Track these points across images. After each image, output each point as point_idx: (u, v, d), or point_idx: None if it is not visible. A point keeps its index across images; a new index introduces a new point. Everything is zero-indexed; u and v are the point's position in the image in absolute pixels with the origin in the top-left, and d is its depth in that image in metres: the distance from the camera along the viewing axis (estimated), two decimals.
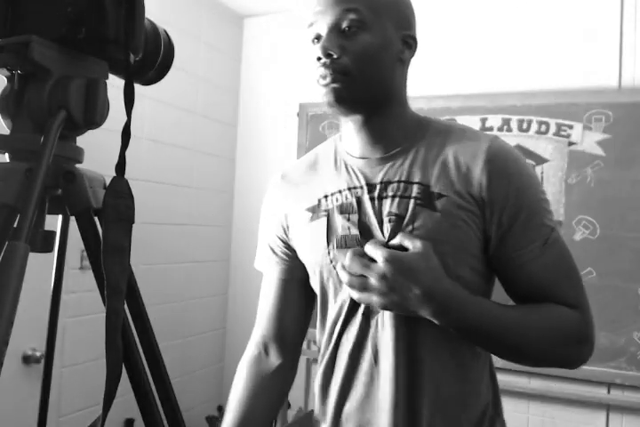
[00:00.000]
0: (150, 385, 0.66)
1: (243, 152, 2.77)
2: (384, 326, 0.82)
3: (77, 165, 0.68)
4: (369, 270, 0.75)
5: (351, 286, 0.77)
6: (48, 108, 0.62)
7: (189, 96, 2.45)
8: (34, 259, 0.57)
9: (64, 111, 0.61)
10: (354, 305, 0.85)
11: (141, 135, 2.17)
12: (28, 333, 1.40)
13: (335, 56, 0.79)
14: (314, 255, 0.89)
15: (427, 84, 2.35)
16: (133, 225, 0.63)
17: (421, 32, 2.56)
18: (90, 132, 0.68)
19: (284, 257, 0.97)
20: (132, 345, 0.64)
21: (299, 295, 0.98)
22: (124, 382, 0.62)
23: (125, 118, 0.62)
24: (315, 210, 0.89)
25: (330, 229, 0.86)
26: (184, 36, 2.38)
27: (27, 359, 1.73)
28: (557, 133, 2.09)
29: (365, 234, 0.83)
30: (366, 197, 0.85)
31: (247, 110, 2.77)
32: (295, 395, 2.49)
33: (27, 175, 0.59)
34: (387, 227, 0.82)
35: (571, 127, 2.08)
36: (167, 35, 0.77)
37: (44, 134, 0.58)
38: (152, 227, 2.25)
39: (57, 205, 0.67)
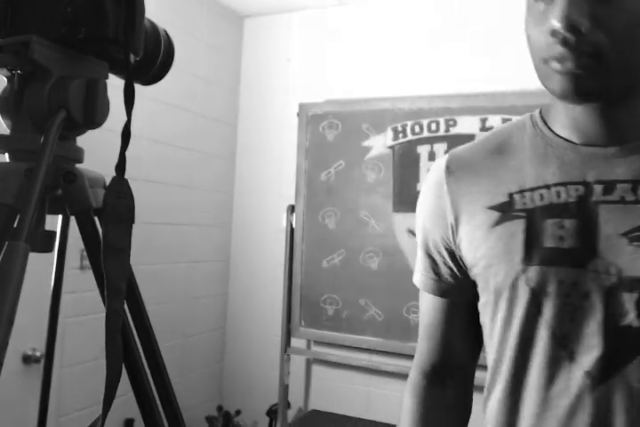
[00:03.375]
0: (150, 385, 0.66)
1: (243, 152, 2.77)
2: (625, 392, 0.60)
3: (77, 165, 0.68)
4: None
5: None
6: (48, 108, 0.62)
7: (189, 96, 2.44)
8: (34, 259, 0.57)
9: (64, 111, 0.61)
10: (575, 355, 0.62)
11: (141, 135, 2.17)
12: (28, 333, 1.40)
13: (584, 31, 0.55)
14: (498, 273, 0.67)
15: (427, 84, 2.35)
16: (133, 225, 0.63)
17: (421, 32, 2.56)
18: (90, 132, 0.68)
19: (449, 272, 0.76)
20: (132, 345, 0.64)
21: (470, 319, 0.77)
22: (124, 382, 0.62)
23: (125, 118, 0.62)
24: (504, 209, 0.66)
25: (529, 238, 0.64)
26: (184, 36, 2.38)
27: (27, 359, 1.73)
28: None
29: (586, 250, 0.61)
30: (596, 199, 0.61)
31: (247, 110, 2.77)
32: (295, 395, 2.49)
33: (27, 175, 0.59)
34: (634, 248, 0.59)
35: None
36: (167, 35, 0.77)
37: (44, 134, 0.58)
38: (152, 227, 2.24)
39: (57, 205, 0.67)
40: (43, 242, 0.68)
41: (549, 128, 0.69)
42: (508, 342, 0.68)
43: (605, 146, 0.63)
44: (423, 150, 2.26)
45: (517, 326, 0.66)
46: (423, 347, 0.82)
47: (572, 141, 0.65)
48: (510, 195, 0.67)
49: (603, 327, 0.60)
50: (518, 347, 0.67)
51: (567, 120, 0.66)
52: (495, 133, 0.75)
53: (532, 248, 0.64)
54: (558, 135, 0.67)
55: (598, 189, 0.61)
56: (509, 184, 0.67)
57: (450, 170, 0.74)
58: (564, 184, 0.63)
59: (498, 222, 0.67)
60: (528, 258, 0.64)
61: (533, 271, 0.63)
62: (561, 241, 0.62)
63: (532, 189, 0.65)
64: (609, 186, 0.61)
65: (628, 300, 0.59)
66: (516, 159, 0.69)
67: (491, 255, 0.67)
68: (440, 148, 2.23)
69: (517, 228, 0.65)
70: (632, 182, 0.60)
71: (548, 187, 0.64)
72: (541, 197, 0.64)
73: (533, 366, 0.65)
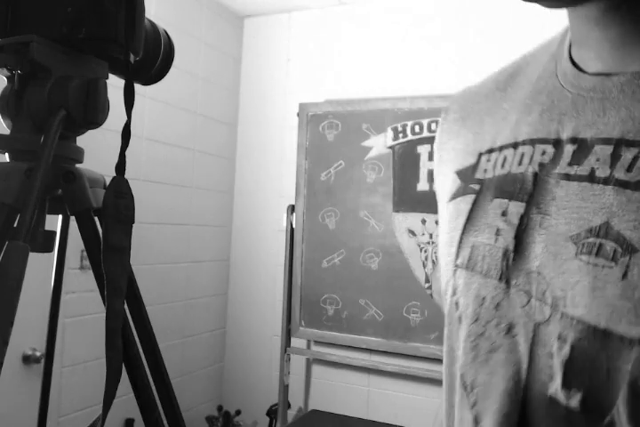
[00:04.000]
0: (150, 385, 0.66)
1: (243, 152, 2.77)
2: None
3: (77, 165, 0.68)
4: None
5: None
6: (48, 107, 0.62)
7: (189, 96, 2.44)
8: (34, 259, 0.57)
9: (63, 111, 0.61)
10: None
11: (141, 135, 2.17)
12: (28, 333, 1.40)
13: None
14: (443, 267, 0.46)
15: (427, 84, 2.35)
16: (133, 225, 0.63)
17: (421, 32, 2.56)
18: (90, 132, 0.68)
19: None
20: (132, 345, 0.64)
21: None
22: (124, 382, 0.62)
23: (125, 118, 0.62)
24: (466, 176, 0.45)
25: (468, 226, 0.42)
26: (184, 36, 2.38)
27: (27, 359, 1.73)
28: None
29: (520, 255, 0.37)
30: (559, 170, 0.36)
31: (247, 110, 2.77)
32: (295, 395, 2.49)
33: (27, 175, 0.59)
34: (582, 264, 0.32)
35: None
36: (167, 35, 0.77)
37: (44, 134, 0.58)
38: (152, 227, 2.24)
39: (57, 205, 0.67)
40: (43, 242, 0.68)
41: (570, 49, 0.42)
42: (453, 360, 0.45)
43: (614, 72, 0.36)
44: (423, 150, 2.26)
45: (444, 357, 0.45)
46: None
47: (581, 68, 0.39)
48: (479, 155, 0.44)
49: (521, 391, 0.35)
50: (446, 386, 0.45)
51: (579, 37, 0.40)
52: (519, 57, 0.51)
53: (464, 242, 0.42)
54: (572, 59, 0.41)
55: (568, 152, 0.36)
56: (486, 138, 0.45)
57: (445, 115, 0.54)
58: (532, 142, 0.39)
59: (454, 196, 0.46)
60: (458, 256, 0.42)
61: (459, 277, 0.41)
62: (496, 235, 0.38)
63: (501, 149, 0.42)
64: (582, 148, 0.35)
65: (556, 354, 0.33)
66: (514, 99, 0.45)
67: (440, 243, 0.47)
68: None
69: (464, 207, 0.43)
70: (616, 143, 0.33)
71: (515, 146, 0.41)
72: (504, 161, 0.41)
73: (456, 414, 0.43)
